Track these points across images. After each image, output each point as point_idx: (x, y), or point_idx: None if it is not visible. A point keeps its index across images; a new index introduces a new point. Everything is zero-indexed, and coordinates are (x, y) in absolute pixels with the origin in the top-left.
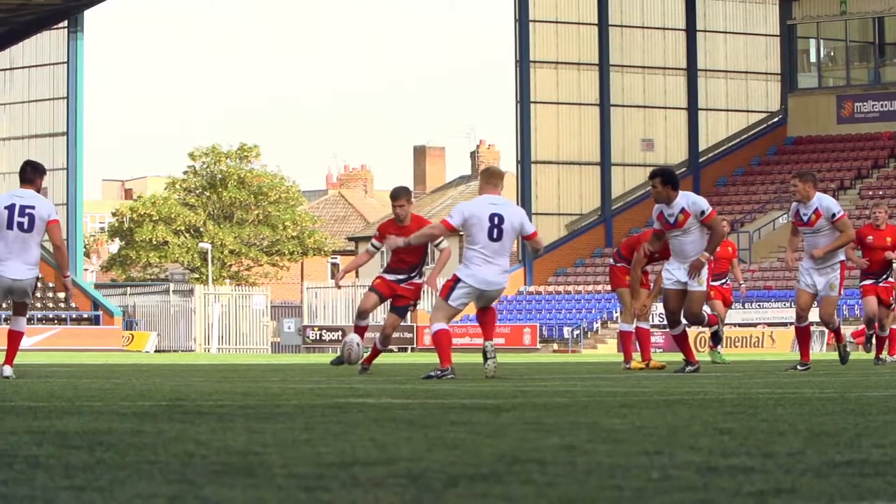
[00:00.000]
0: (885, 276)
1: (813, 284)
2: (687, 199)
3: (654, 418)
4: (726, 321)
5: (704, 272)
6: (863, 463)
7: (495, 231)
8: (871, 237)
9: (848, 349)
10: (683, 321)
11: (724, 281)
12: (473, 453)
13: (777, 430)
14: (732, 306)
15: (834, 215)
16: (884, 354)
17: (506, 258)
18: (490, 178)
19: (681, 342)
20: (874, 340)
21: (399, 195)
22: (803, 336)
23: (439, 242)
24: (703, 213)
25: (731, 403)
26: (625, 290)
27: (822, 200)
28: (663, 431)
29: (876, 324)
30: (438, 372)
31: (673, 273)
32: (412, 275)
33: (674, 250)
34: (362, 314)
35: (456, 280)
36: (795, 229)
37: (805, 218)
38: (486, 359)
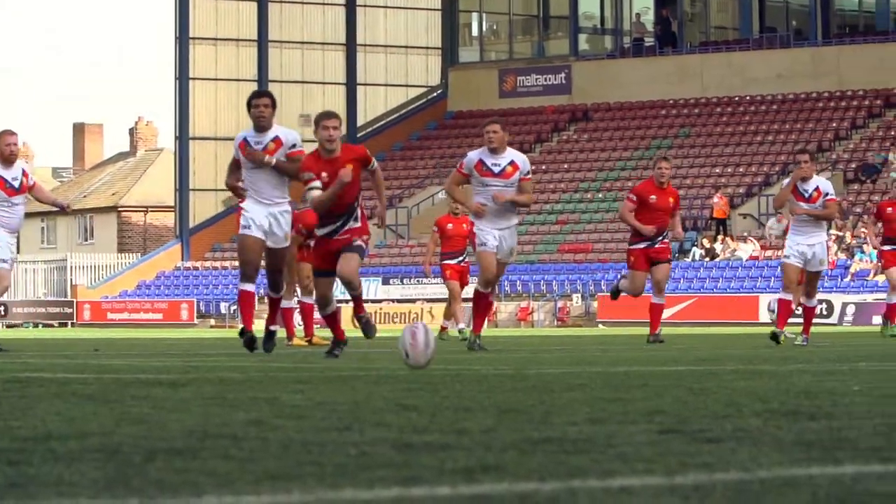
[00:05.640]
0: (661, 238)
1: (499, 246)
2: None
3: (334, 394)
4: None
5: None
6: (562, 440)
7: None
8: (654, 196)
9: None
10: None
11: (461, 258)
12: (162, 428)
13: (463, 406)
14: (391, 283)
15: (528, 173)
16: (658, 330)
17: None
18: None
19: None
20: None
21: (331, 115)
22: (485, 305)
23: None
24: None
25: (407, 380)
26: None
27: (519, 155)
28: (346, 408)
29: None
30: None
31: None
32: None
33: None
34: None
35: None
36: (461, 180)
37: (497, 169)
38: None
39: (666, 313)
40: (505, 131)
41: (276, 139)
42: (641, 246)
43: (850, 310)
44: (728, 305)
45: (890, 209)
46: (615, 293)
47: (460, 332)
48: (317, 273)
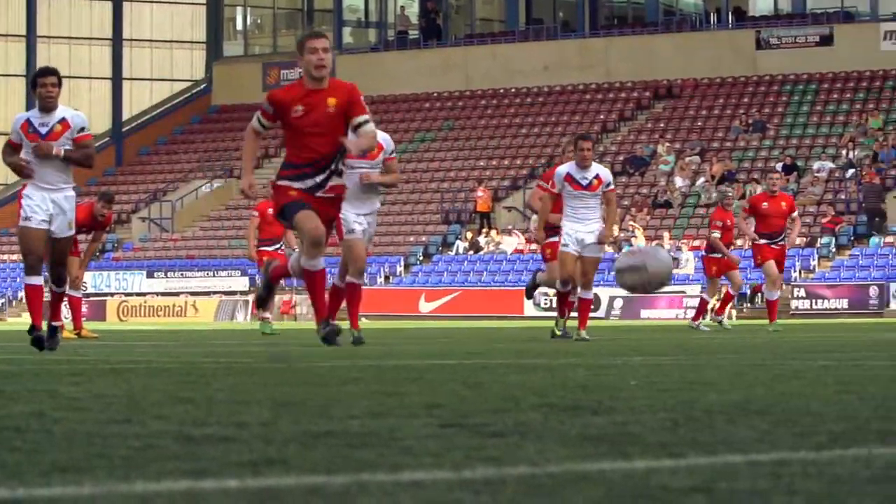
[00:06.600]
0: None
1: (364, 230)
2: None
3: (110, 387)
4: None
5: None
6: (344, 434)
7: None
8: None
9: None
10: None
11: (278, 246)
12: None
13: (238, 399)
14: (155, 276)
15: (393, 152)
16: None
17: None
18: None
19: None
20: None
21: (320, 34)
22: (359, 296)
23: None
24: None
25: (180, 372)
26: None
27: (382, 134)
28: (124, 400)
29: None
30: None
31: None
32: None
33: None
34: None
35: None
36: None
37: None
38: None
39: (427, 307)
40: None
41: (63, 121)
42: (557, 238)
43: (618, 303)
44: (492, 299)
45: (766, 204)
46: (531, 289)
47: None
48: (297, 206)
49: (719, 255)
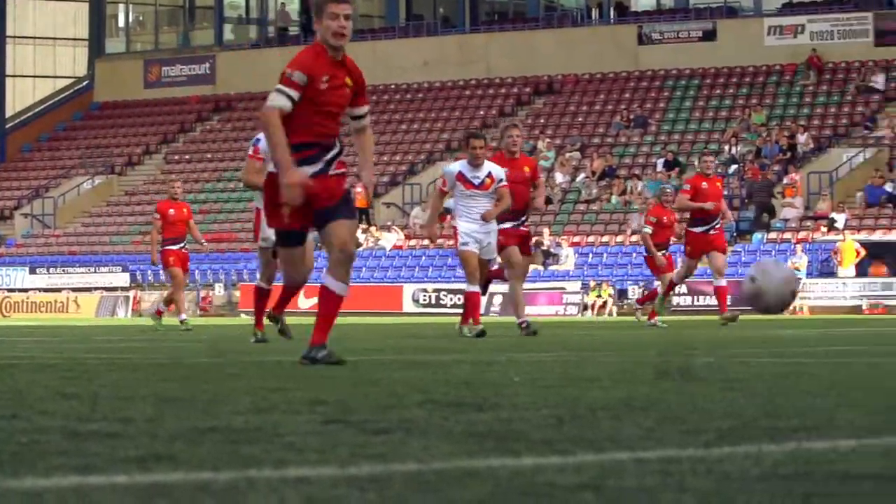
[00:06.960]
0: (524, 219)
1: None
2: None
3: None
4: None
5: None
6: (229, 430)
7: None
8: (505, 169)
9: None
10: None
11: (182, 244)
12: None
13: (122, 395)
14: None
15: None
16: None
17: None
18: None
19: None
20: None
21: None
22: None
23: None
24: None
25: (62, 368)
26: None
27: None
28: (9, 396)
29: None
30: None
31: None
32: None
33: None
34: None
35: None
36: (256, 167)
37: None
38: None
39: (307, 303)
40: None
41: None
42: (508, 225)
43: (498, 300)
44: (371, 295)
45: (705, 184)
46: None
47: (182, 322)
48: (285, 240)
49: (663, 253)
